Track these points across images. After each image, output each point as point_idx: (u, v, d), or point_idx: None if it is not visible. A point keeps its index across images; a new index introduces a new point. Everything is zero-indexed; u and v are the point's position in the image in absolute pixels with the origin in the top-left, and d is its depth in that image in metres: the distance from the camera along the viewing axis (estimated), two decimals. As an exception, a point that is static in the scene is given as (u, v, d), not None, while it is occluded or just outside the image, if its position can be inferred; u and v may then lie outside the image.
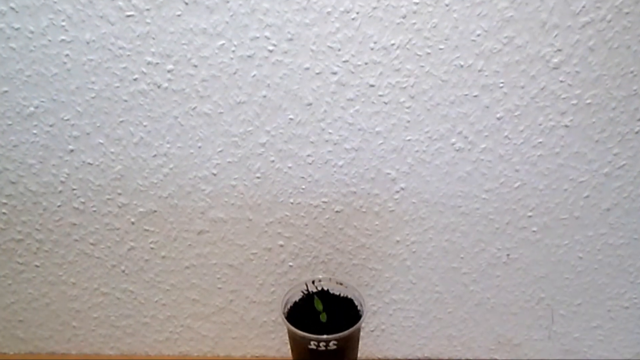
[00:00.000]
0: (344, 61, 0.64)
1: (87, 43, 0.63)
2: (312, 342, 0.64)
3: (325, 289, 0.73)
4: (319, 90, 0.66)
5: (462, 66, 0.64)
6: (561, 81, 0.64)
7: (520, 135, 0.68)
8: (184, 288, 0.79)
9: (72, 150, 0.70)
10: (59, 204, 0.73)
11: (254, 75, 0.65)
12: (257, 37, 0.63)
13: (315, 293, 0.73)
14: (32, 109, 0.67)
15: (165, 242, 0.76)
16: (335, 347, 0.64)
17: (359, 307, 0.70)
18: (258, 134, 0.68)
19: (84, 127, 0.68)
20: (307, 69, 0.64)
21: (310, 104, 0.66)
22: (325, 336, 0.63)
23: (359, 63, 0.64)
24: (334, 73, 0.65)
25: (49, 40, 0.63)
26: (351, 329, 0.64)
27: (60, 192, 0.72)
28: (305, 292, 0.72)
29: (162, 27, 0.62)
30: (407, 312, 0.81)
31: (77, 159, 0.70)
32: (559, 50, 0.63)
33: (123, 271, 0.78)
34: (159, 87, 0.65)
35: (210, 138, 0.68)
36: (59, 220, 0.74)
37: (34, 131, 0.68)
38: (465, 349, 0.84)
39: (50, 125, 0.68)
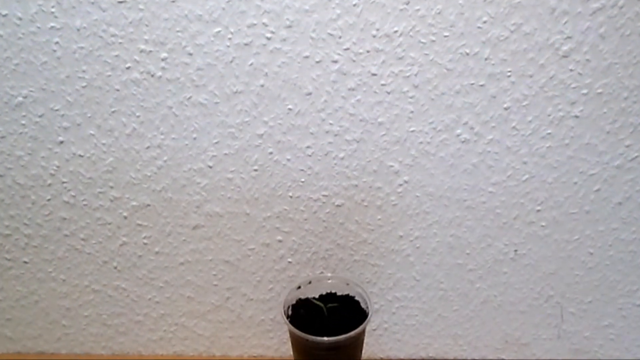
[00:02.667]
0: (345, 49, 0.65)
1: (78, 30, 0.64)
2: (314, 343, 0.65)
3: (332, 291, 0.76)
4: (319, 79, 0.67)
5: (467, 54, 0.65)
6: (571, 70, 0.66)
7: (529, 126, 0.69)
8: (178, 285, 0.81)
9: (62, 142, 0.71)
10: (48, 197, 0.75)
11: (252, 64, 0.66)
12: (255, 24, 0.64)
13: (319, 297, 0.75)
14: (20, 98, 0.68)
15: (159, 237, 0.77)
16: (337, 348, 0.66)
17: (364, 307, 0.72)
18: (255, 124, 0.70)
19: (74, 118, 0.69)
20: (307, 57, 0.66)
21: (309, 94, 0.68)
22: (326, 338, 0.65)
23: (361, 51, 0.65)
24: (335, 61, 0.66)
25: (38, 27, 0.64)
26: (355, 331, 0.66)
27: (50, 185, 0.74)
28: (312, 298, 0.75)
29: (156, 14, 0.63)
30: (411, 310, 0.83)
31: (67, 151, 0.72)
32: (569, 37, 0.64)
33: (115, 267, 0.80)
34: (152, 76, 0.67)
35: (205, 129, 0.70)
36: (48, 215, 0.76)
37: (23, 122, 0.70)
38: (471, 349, 0.86)
39: (40, 116, 0.69)
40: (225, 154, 0.71)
